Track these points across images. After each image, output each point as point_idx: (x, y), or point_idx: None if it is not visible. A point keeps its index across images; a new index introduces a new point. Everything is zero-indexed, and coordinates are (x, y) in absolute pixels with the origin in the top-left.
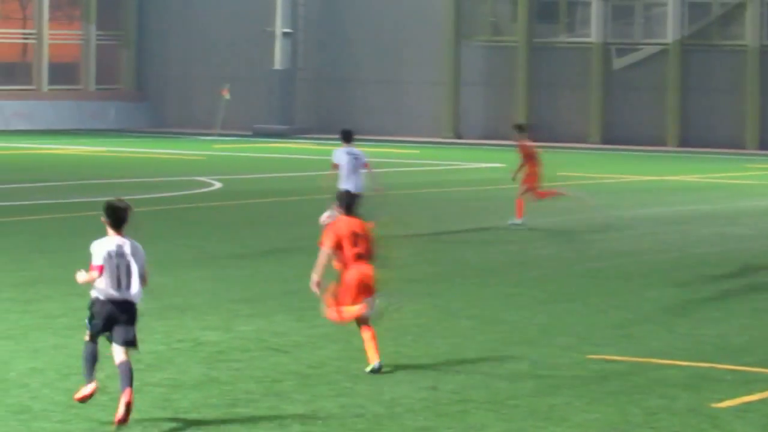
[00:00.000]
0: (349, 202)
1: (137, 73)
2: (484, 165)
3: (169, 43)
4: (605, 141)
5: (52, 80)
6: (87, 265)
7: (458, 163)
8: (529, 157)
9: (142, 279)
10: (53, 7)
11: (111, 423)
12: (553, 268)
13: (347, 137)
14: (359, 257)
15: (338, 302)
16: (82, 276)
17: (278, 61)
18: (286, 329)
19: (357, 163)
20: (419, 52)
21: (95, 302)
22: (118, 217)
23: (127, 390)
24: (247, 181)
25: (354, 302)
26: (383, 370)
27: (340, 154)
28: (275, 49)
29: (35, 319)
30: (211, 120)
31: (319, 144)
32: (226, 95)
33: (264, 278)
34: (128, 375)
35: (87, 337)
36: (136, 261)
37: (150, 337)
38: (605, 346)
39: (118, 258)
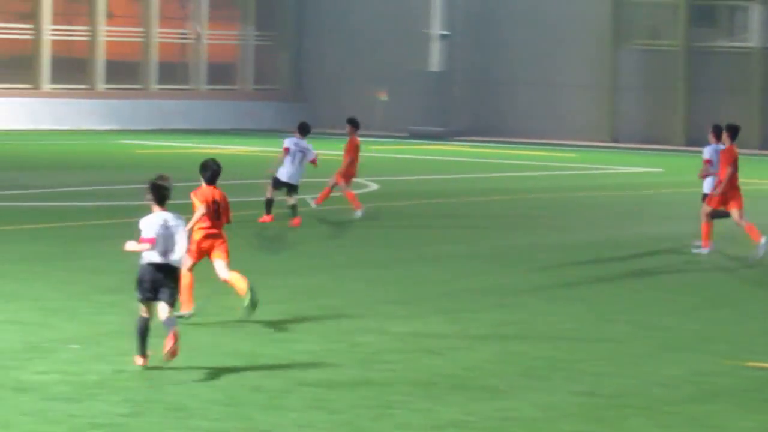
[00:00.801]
0: (209, 170)
1: (294, 73)
2: (641, 169)
3: (326, 44)
4: (765, 146)
5: (210, 80)
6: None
7: (615, 167)
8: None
9: (183, 247)
10: (213, 8)
11: (266, 423)
12: (708, 274)
13: (303, 131)
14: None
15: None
16: (131, 245)
17: (434, 63)
18: (441, 331)
19: (303, 157)
20: (576, 55)
21: (142, 268)
22: (161, 195)
23: (172, 332)
24: (404, 183)
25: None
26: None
27: (289, 142)
28: (432, 50)
29: (189, 318)
30: (368, 121)
31: (475, 146)
32: (383, 97)
33: (419, 280)
34: (173, 324)
35: (142, 312)
36: (179, 230)
37: (306, 337)
38: (763, 354)
39: (165, 230)
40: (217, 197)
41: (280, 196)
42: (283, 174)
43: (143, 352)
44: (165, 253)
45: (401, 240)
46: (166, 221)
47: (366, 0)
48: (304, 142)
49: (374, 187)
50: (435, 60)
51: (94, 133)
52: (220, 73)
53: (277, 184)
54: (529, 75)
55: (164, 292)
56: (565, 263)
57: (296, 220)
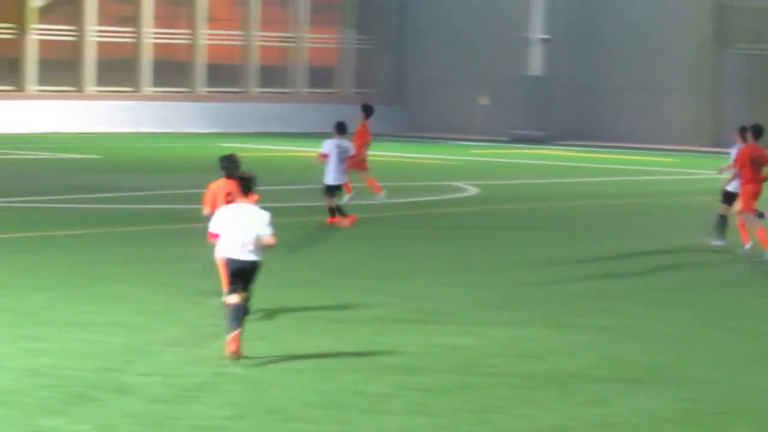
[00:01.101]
0: (228, 166)
1: (394, 77)
2: None
3: (427, 48)
4: None
5: (311, 83)
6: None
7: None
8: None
9: (263, 240)
10: (313, 12)
11: (364, 425)
12: None
13: (340, 129)
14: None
15: None
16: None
17: (535, 67)
18: (542, 336)
19: (343, 155)
20: (677, 59)
21: (228, 261)
22: (245, 186)
23: (236, 332)
24: (504, 187)
25: None
26: None
27: (329, 145)
28: (532, 54)
29: (291, 320)
30: (468, 124)
31: (574, 151)
32: (484, 101)
33: (519, 284)
34: (241, 315)
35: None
36: (256, 225)
37: (406, 341)
38: None
39: (238, 223)
40: (233, 190)
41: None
42: (330, 178)
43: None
44: (240, 246)
45: (501, 244)
46: (243, 213)
47: (467, 4)
48: (344, 141)
49: (474, 191)
50: (535, 64)
51: (194, 135)
52: (320, 76)
53: (330, 189)
54: (629, 79)
55: (241, 284)
56: (665, 267)
57: (349, 218)
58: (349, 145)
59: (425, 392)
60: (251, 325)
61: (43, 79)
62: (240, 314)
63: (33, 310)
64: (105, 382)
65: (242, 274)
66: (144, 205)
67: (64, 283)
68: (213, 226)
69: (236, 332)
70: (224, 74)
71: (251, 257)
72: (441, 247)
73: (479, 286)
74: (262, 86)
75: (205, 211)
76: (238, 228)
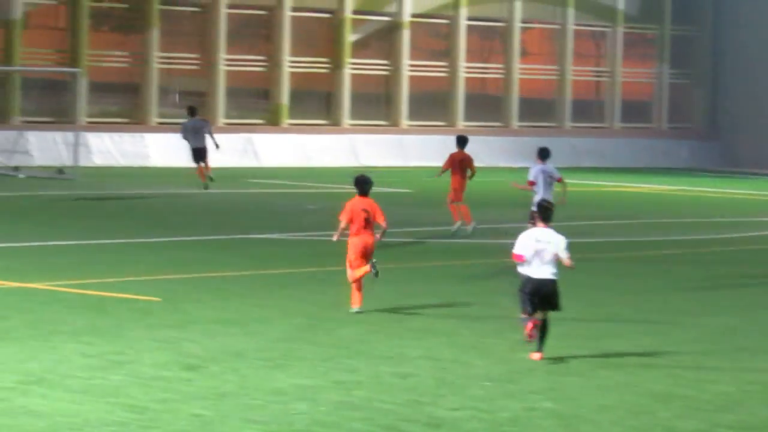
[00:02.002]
0: (363, 184)
1: (709, 111)
2: None
3: (743, 81)
4: None
5: (624, 118)
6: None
7: None
8: None
9: (558, 260)
10: (627, 46)
11: None
12: None
13: (544, 155)
14: (365, 228)
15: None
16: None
17: None
18: None
19: (549, 180)
20: None
21: (525, 280)
22: (546, 214)
23: (539, 353)
24: None
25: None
26: None
27: (535, 171)
28: None
29: (605, 356)
30: None
31: None
32: None
33: None
34: (543, 333)
35: (523, 315)
36: (553, 247)
37: (721, 377)
38: None
39: (542, 245)
40: (366, 206)
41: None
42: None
43: (539, 349)
44: (538, 266)
45: None
46: (542, 236)
47: None
48: (549, 166)
49: None
50: None
51: (506, 170)
52: (634, 111)
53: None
54: None
55: (542, 302)
56: None
57: None
58: (554, 169)
59: (740, 431)
60: (565, 362)
61: (357, 113)
62: (542, 332)
63: (345, 343)
64: (416, 415)
65: (540, 293)
66: (455, 240)
67: (375, 316)
68: (518, 248)
69: (539, 354)
70: (537, 108)
71: (549, 276)
72: (761, 282)
73: None
74: (575, 120)
75: (342, 224)
76: (540, 250)
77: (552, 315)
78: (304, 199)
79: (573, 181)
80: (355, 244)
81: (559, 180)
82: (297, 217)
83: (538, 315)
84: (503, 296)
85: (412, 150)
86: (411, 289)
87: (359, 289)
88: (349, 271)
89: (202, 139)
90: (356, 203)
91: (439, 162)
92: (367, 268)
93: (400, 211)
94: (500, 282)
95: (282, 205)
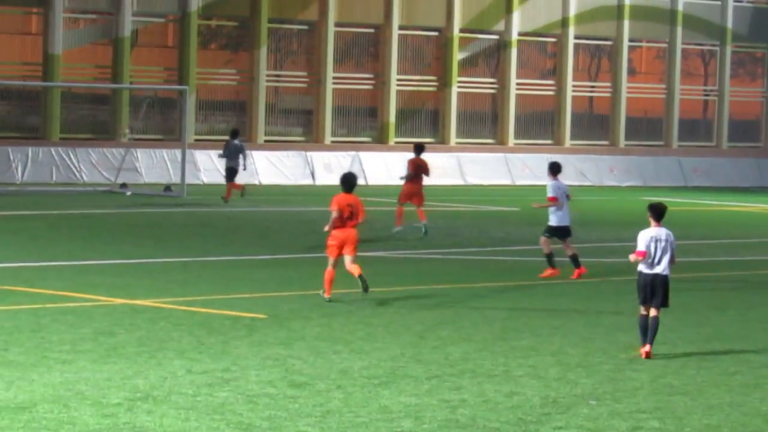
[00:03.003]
0: (348, 181)
1: None
2: None
3: None
4: None
5: (732, 137)
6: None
7: None
8: None
9: (671, 260)
10: (735, 64)
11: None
12: None
13: (555, 171)
14: (349, 221)
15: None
16: (632, 257)
17: None
18: None
19: (565, 196)
20: None
21: (639, 275)
22: (659, 213)
23: (648, 346)
24: None
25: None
26: None
27: (553, 187)
28: None
29: (711, 375)
30: None
31: None
32: None
33: None
34: (654, 329)
35: (642, 310)
36: (669, 246)
37: None
38: None
39: (656, 243)
40: (351, 202)
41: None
42: (554, 220)
43: (644, 342)
44: (653, 263)
45: None
46: (658, 234)
47: None
48: (562, 182)
49: None
50: None
51: (614, 189)
52: (742, 129)
53: (551, 231)
54: None
55: (655, 299)
56: None
57: (578, 271)
58: (566, 186)
59: None
60: (671, 380)
61: (464, 131)
62: (653, 327)
63: (451, 361)
64: None
65: (651, 287)
66: (561, 259)
67: (482, 333)
68: (640, 245)
69: (647, 348)
70: (644, 127)
71: (660, 272)
72: None
73: None
74: (682, 139)
75: (334, 213)
76: (655, 247)
77: (659, 335)
78: (410, 218)
79: (680, 200)
80: (336, 235)
81: (569, 196)
82: (403, 235)
83: (650, 310)
84: (610, 315)
85: (519, 168)
86: (517, 307)
87: (332, 280)
88: (348, 262)
89: (237, 160)
90: (342, 199)
91: (545, 180)
92: (356, 271)
93: (507, 230)
94: (605, 301)
95: (384, 223)
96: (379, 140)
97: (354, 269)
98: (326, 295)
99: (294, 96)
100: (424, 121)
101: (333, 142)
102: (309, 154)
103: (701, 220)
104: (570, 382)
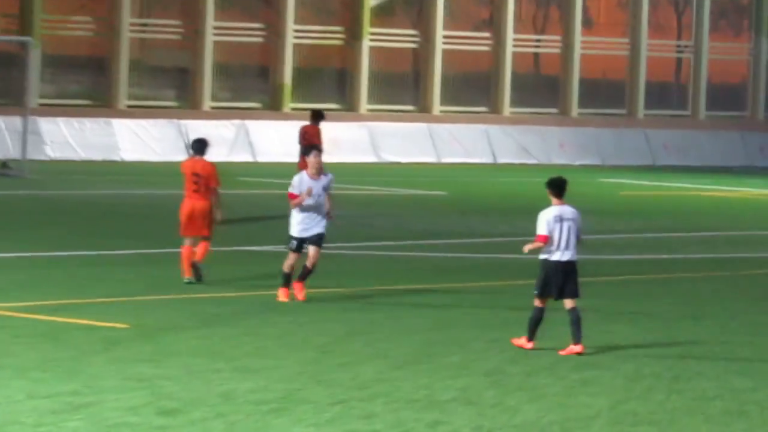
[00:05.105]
0: (199, 143)
1: None
2: None
3: None
4: None
5: (712, 106)
6: None
7: None
8: None
9: (578, 239)
10: (716, 15)
11: None
12: None
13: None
14: (195, 192)
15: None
16: (528, 247)
17: None
18: None
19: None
20: None
21: (545, 264)
22: (560, 187)
23: (579, 346)
24: None
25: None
26: None
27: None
28: None
29: (685, 400)
30: None
31: None
32: None
33: None
34: (579, 324)
35: (537, 303)
36: (575, 225)
37: None
38: None
39: (560, 223)
40: (199, 169)
41: None
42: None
43: (531, 338)
44: (560, 247)
45: None
46: (560, 215)
47: None
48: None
49: None
50: None
51: (564, 168)
52: (725, 96)
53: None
54: None
55: (569, 289)
56: None
57: None
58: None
59: None
60: (635, 407)
61: (377, 97)
62: (577, 321)
63: (361, 382)
64: None
65: (564, 276)
66: (497, 255)
67: (401, 348)
68: (540, 228)
69: (578, 347)
70: (602, 92)
71: (572, 258)
72: None
73: None
74: (650, 107)
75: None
76: (560, 229)
77: (621, 351)
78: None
79: (647, 183)
80: (182, 208)
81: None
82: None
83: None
84: (557, 325)
85: (447, 143)
86: (445, 317)
87: (189, 258)
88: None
89: None
90: (188, 165)
91: (479, 157)
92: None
93: (432, 220)
94: (556, 307)
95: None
96: (272, 107)
97: (196, 252)
98: (184, 276)
99: (165, 51)
100: (328, 84)
101: (214, 108)
102: (183, 123)
103: (673, 208)
104: (509, 410)
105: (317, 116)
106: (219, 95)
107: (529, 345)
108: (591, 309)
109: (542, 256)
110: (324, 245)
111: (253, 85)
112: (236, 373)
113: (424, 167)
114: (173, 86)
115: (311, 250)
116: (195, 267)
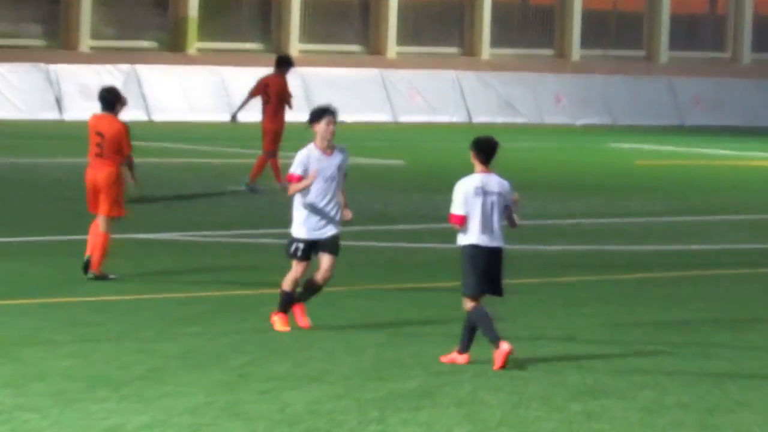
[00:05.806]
0: (106, 95)
1: None
2: None
3: None
4: None
5: (758, 46)
6: None
7: None
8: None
9: (511, 222)
10: None
11: None
12: None
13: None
14: (98, 156)
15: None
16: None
17: None
18: None
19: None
20: None
21: (467, 250)
22: (488, 149)
23: (506, 343)
24: None
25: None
26: None
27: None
28: None
29: None
30: None
31: None
32: None
33: None
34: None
35: (468, 304)
36: (503, 200)
37: None
38: None
39: (483, 197)
40: (104, 128)
41: None
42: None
43: (464, 350)
44: (485, 229)
45: None
46: (483, 186)
47: None
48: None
49: None
50: None
51: (562, 131)
52: None
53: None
54: None
55: (494, 283)
56: None
57: None
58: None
59: None
60: None
61: (311, 33)
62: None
63: (291, 415)
64: None
65: (489, 266)
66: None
67: (343, 369)
68: (456, 206)
69: (505, 347)
70: (612, 28)
71: (500, 243)
72: None
73: None
74: (675, 48)
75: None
76: (482, 204)
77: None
78: (224, 175)
79: (672, 149)
80: (85, 177)
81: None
82: (217, 208)
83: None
84: (556, 342)
85: (405, 95)
86: (408, 322)
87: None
88: (93, 226)
89: None
90: (92, 122)
91: (449, 116)
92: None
93: (388, 197)
94: (553, 316)
95: (186, 183)
96: (172, 47)
97: (95, 237)
98: (86, 254)
99: None
100: (246, 17)
101: (94, 49)
102: (53, 68)
103: (706, 183)
104: None
105: (283, 63)
106: (101, 31)
107: (462, 358)
108: (596, 316)
109: (462, 242)
110: (244, 230)
111: (146, 18)
112: (124, 404)
113: (376, 128)
114: (41, 20)
115: (325, 259)
116: (88, 260)
